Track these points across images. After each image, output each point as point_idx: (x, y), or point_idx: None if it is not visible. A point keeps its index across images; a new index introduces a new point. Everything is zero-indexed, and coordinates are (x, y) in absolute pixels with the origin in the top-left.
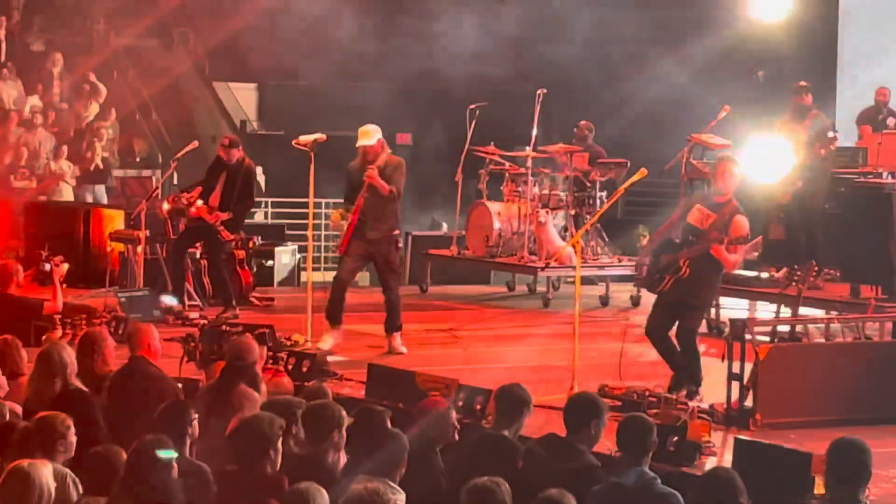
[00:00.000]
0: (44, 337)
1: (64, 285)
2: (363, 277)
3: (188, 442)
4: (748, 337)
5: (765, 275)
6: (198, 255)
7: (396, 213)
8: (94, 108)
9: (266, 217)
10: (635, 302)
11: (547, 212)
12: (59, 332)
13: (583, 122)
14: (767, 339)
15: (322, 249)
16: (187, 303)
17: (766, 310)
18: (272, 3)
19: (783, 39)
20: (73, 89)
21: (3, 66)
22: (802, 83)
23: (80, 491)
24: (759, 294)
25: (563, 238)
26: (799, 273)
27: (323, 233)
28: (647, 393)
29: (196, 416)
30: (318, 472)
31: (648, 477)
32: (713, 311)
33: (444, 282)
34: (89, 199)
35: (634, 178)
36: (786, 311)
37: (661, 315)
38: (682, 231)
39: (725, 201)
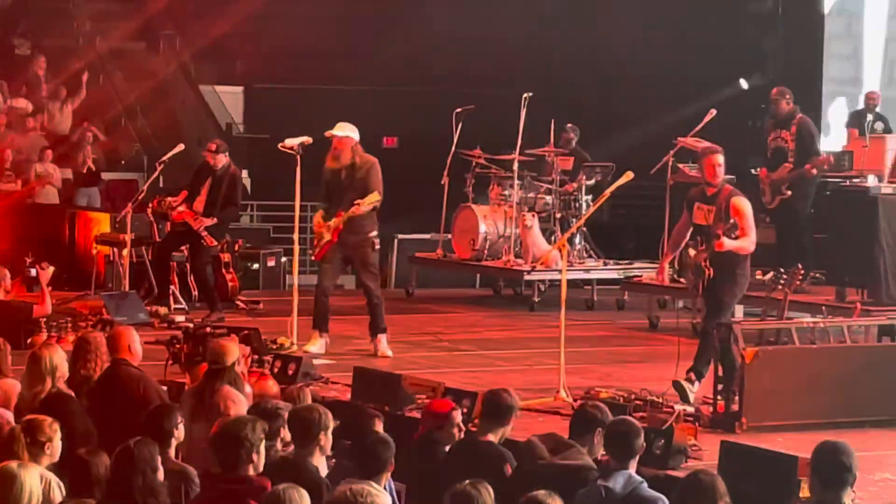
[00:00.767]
0: (29, 340)
1: (49, 288)
2: (348, 280)
3: (174, 444)
4: (734, 340)
5: (751, 278)
6: (183, 259)
7: (374, 215)
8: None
9: (252, 220)
10: (621, 305)
11: (533, 215)
12: (44, 335)
13: (568, 125)
14: (753, 342)
15: (308, 253)
16: (173, 306)
17: (752, 313)
18: (258, 7)
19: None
20: (58, 92)
21: None
22: (778, 90)
23: (64, 494)
24: (746, 297)
25: (549, 241)
26: (785, 277)
27: (309, 236)
28: (633, 396)
29: (181, 418)
30: (303, 474)
31: (636, 481)
32: (698, 315)
33: (430, 285)
34: (84, 202)
35: (620, 181)
36: (772, 315)
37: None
38: (692, 233)
39: (717, 190)
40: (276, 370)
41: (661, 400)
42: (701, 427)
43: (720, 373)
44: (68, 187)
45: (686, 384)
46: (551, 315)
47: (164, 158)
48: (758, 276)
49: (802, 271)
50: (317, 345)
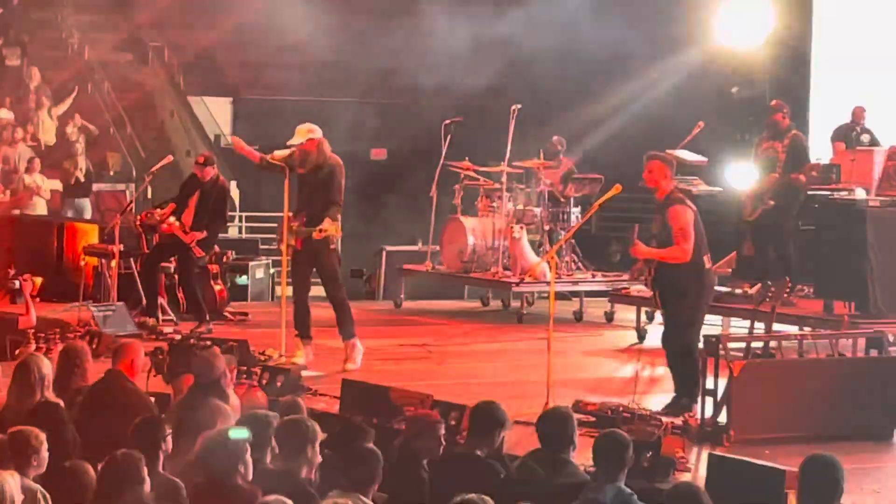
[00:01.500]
0: (17, 351)
1: (37, 299)
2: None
3: (161, 457)
4: (722, 353)
5: (738, 291)
6: (171, 270)
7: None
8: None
9: (240, 231)
10: (609, 317)
11: (521, 227)
12: (32, 346)
13: (555, 138)
14: (741, 355)
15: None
16: (161, 317)
17: (739, 326)
18: (247, 18)
19: (757, 55)
20: (46, 103)
21: None
22: (777, 102)
23: None
24: (733, 310)
25: (538, 253)
26: (772, 289)
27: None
28: (621, 409)
29: (169, 431)
30: (291, 487)
31: (625, 493)
32: None
33: (418, 297)
34: (72, 213)
35: (609, 194)
36: (759, 328)
37: (664, 329)
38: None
39: (664, 198)
40: (264, 382)
41: (648, 412)
42: (689, 440)
43: (706, 385)
44: (57, 199)
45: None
46: (540, 327)
47: (153, 169)
48: (745, 289)
49: (790, 284)
50: (302, 355)
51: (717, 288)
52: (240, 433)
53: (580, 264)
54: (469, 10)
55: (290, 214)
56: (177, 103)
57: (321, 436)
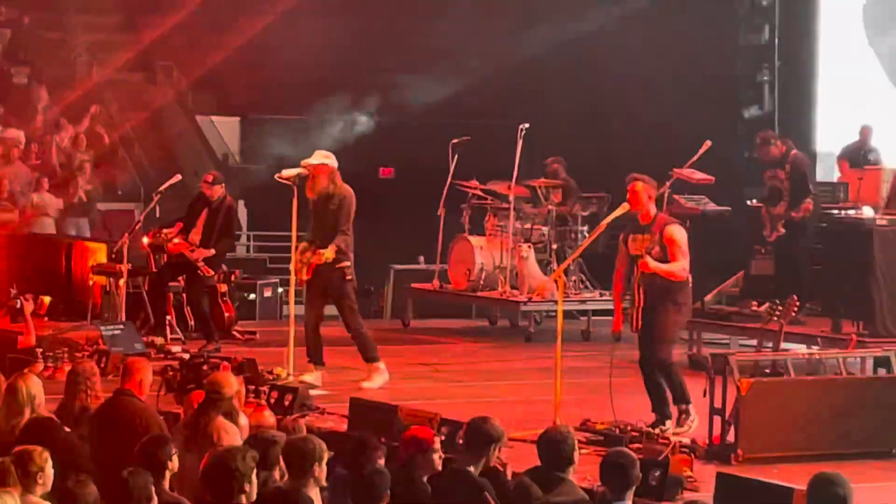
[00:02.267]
0: (26, 370)
1: (45, 318)
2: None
3: (168, 476)
4: (730, 372)
5: (746, 310)
6: (180, 289)
7: (343, 247)
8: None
9: (248, 251)
10: (616, 337)
11: (529, 246)
12: (40, 366)
13: (549, 159)
14: (749, 374)
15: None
16: (169, 336)
17: (747, 345)
18: (255, 37)
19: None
20: (55, 122)
21: None
22: (762, 135)
23: None
24: (741, 329)
25: (545, 272)
26: (780, 308)
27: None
28: (629, 427)
29: (175, 449)
30: None
31: None
32: (694, 346)
33: (426, 316)
34: (73, 232)
35: (616, 212)
36: (767, 346)
37: (642, 349)
38: (628, 265)
39: (651, 220)
40: (272, 401)
41: (656, 431)
42: (697, 458)
43: (716, 403)
44: (63, 218)
45: (684, 416)
46: (547, 346)
47: (161, 189)
48: (753, 308)
49: (798, 303)
50: (313, 376)
51: (725, 307)
52: None
53: (588, 283)
54: (478, 29)
55: (304, 245)
56: (185, 122)
57: (328, 454)
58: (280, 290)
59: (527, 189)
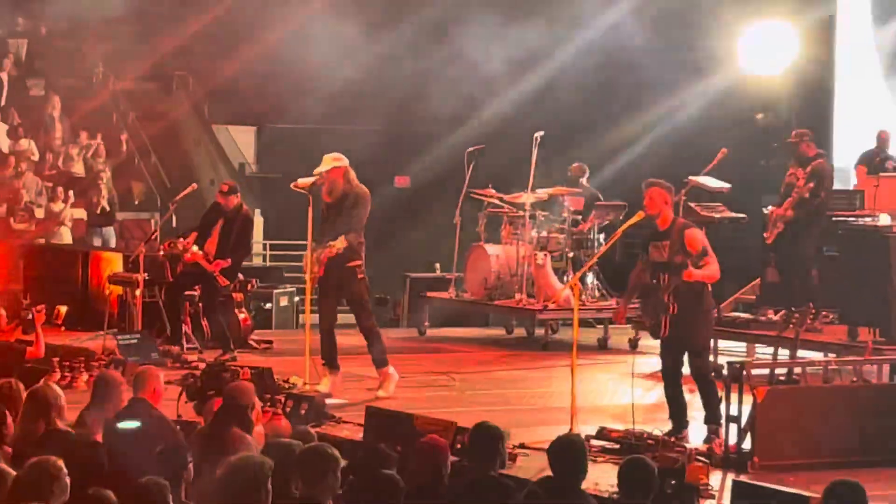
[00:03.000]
0: (42, 380)
1: (62, 328)
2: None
3: (184, 485)
4: (746, 379)
5: (763, 317)
6: (196, 298)
7: (356, 245)
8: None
9: (264, 260)
10: (633, 345)
11: (545, 254)
12: (57, 375)
13: (575, 165)
14: (765, 381)
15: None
16: (185, 346)
17: (763, 352)
18: (271, 47)
19: (781, 82)
20: (73, 133)
21: (2, 110)
22: (797, 133)
23: None
24: (757, 336)
25: (562, 280)
26: (796, 316)
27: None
28: (645, 435)
29: (191, 459)
30: None
31: None
32: (710, 354)
33: (442, 324)
34: (97, 241)
35: (632, 220)
36: (783, 354)
37: (668, 357)
38: (651, 273)
39: (669, 225)
40: (288, 410)
41: (672, 439)
42: (713, 466)
43: (732, 411)
44: (81, 227)
45: (713, 437)
46: (564, 354)
47: (178, 198)
48: (769, 315)
49: (814, 310)
50: (327, 383)
51: (741, 314)
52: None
53: (604, 291)
54: (492, 38)
55: (315, 244)
56: (201, 132)
57: (342, 462)
58: (296, 298)
59: (543, 197)
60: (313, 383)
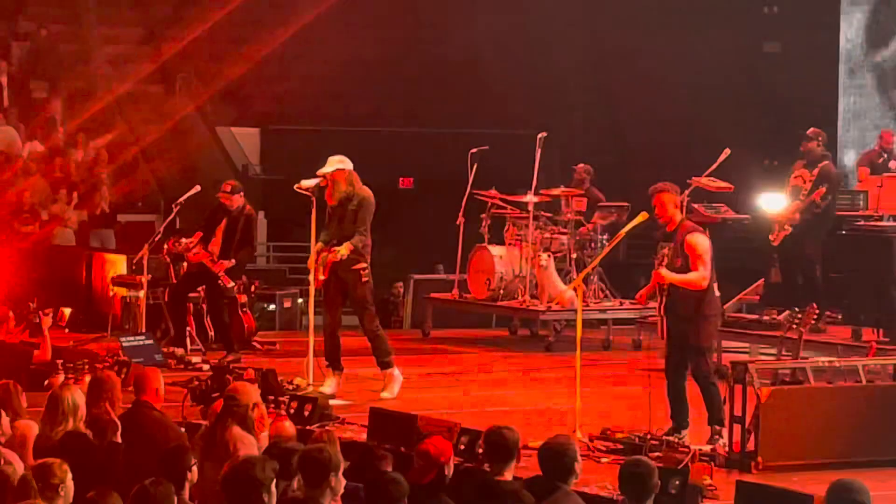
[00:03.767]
0: (46, 382)
1: (66, 329)
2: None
3: (188, 486)
4: (749, 380)
5: (766, 318)
6: (200, 300)
7: (362, 247)
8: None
9: (268, 261)
10: (637, 345)
11: (548, 255)
12: (61, 377)
13: (580, 166)
14: (769, 381)
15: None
16: (189, 347)
17: (767, 353)
18: (275, 49)
19: (785, 84)
20: (75, 135)
21: (5, 112)
22: (813, 131)
23: None
24: (761, 337)
25: (565, 281)
26: (800, 316)
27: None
28: (648, 436)
29: (195, 460)
30: None
31: None
32: (714, 354)
33: (445, 325)
34: (97, 243)
35: (635, 221)
36: (787, 354)
37: (669, 357)
38: None
39: (675, 228)
40: (291, 411)
41: (675, 440)
42: (717, 466)
43: (736, 412)
44: (84, 229)
45: (717, 437)
46: (567, 355)
47: (181, 200)
48: (773, 316)
49: (817, 310)
50: (330, 384)
51: (745, 315)
52: None
53: (607, 292)
54: (493, 39)
55: (320, 245)
56: (205, 134)
57: (344, 464)
58: (300, 300)
59: (547, 198)
60: (317, 384)
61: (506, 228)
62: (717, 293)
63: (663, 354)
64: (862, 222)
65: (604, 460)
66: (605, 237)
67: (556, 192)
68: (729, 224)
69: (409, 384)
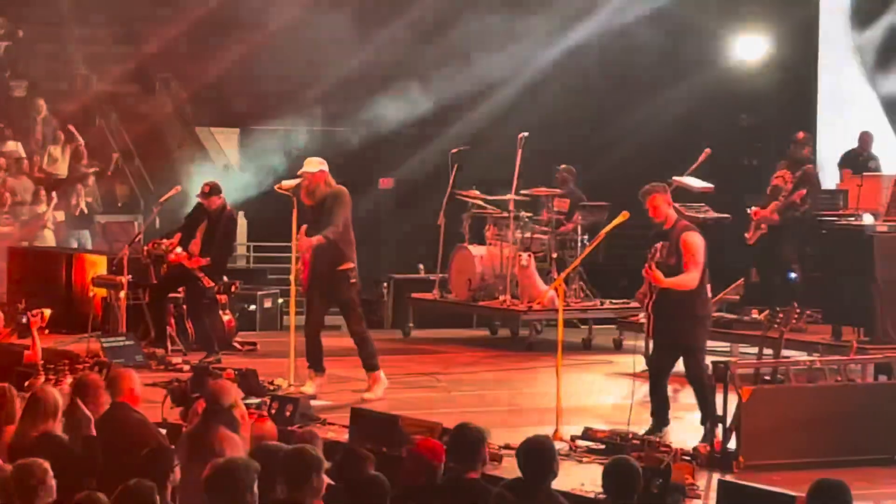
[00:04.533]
0: (26, 383)
1: (46, 331)
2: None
3: (170, 487)
4: (731, 379)
5: (747, 317)
6: (180, 300)
7: (345, 246)
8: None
9: (248, 262)
10: (618, 345)
11: (529, 255)
12: (42, 379)
13: (562, 167)
14: (750, 381)
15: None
16: (170, 348)
17: (748, 352)
18: (254, 48)
19: (763, 83)
20: (55, 135)
21: None
22: (804, 136)
23: None
24: (742, 336)
25: (546, 281)
26: (781, 315)
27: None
28: (630, 436)
29: (178, 461)
30: None
31: None
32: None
33: (426, 325)
34: (74, 244)
35: (616, 221)
36: (768, 354)
37: (654, 356)
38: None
39: (671, 226)
40: (273, 411)
41: (657, 439)
42: (698, 466)
43: (717, 411)
44: (64, 230)
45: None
46: (548, 355)
47: (161, 200)
48: (753, 315)
49: (798, 310)
50: (312, 385)
51: (725, 314)
52: None
53: (588, 292)
54: (477, 39)
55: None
56: (185, 134)
57: (326, 464)
58: (280, 300)
59: (527, 198)
60: (298, 385)
61: (486, 228)
62: (709, 294)
63: (646, 353)
64: (842, 222)
65: (585, 460)
66: (585, 237)
67: (536, 191)
68: (710, 224)
69: (390, 384)
